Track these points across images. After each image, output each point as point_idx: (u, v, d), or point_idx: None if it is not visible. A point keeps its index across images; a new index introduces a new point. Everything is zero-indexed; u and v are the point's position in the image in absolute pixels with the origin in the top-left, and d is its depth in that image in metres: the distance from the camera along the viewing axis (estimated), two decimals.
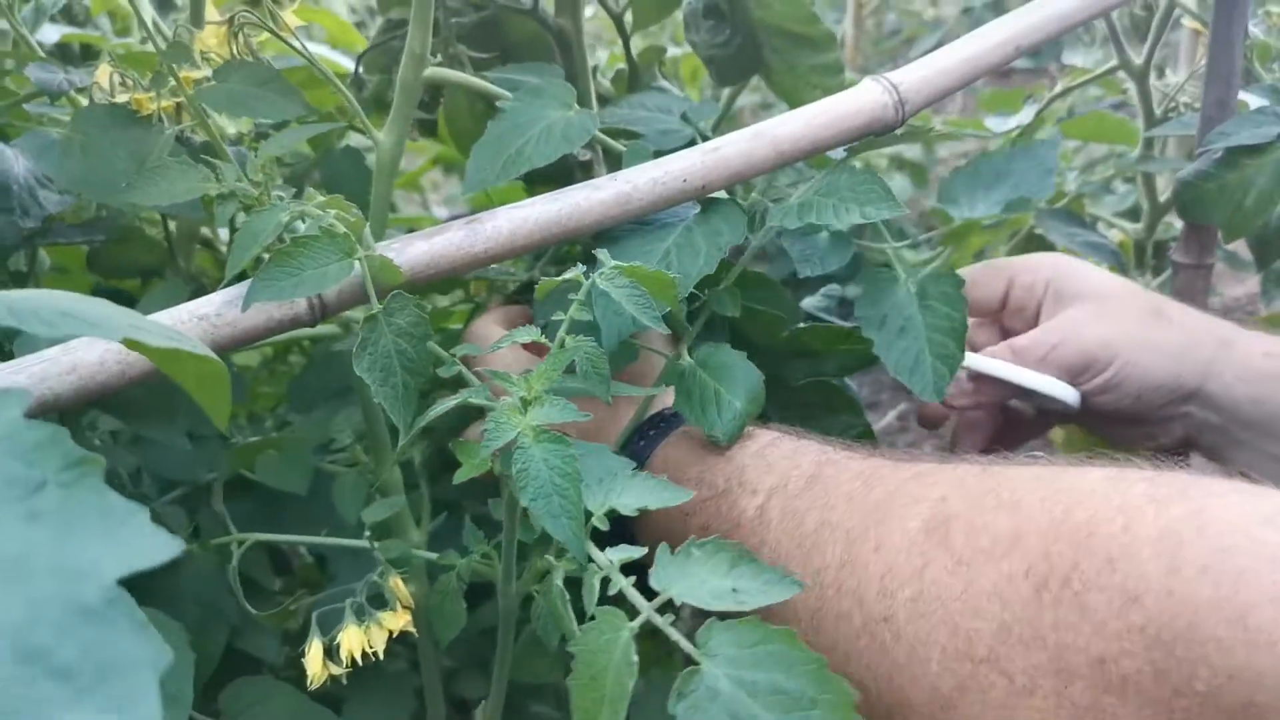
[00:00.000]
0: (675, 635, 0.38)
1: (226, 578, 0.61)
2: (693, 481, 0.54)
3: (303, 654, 0.52)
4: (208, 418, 0.65)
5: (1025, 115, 0.96)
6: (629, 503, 0.45)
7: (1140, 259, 0.99)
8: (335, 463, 0.68)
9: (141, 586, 0.58)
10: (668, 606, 0.40)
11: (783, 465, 0.52)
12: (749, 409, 0.54)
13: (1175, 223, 1.00)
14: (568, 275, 0.49)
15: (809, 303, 0.94)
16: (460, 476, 0.48)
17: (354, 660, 0.52)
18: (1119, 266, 0.92)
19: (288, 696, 0.61)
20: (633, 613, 0.40)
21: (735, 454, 0.54)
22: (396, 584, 0.53)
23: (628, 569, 0.43)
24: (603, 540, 0.45)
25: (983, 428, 0.70)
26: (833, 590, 0.45)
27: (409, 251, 0.51)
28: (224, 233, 0.82)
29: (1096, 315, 0.65)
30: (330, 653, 0.52)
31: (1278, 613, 0.32)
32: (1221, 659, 0.33)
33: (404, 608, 0.53)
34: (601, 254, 0.50)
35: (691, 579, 0.40)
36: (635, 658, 0.38)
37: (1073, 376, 0.65)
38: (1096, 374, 0.64)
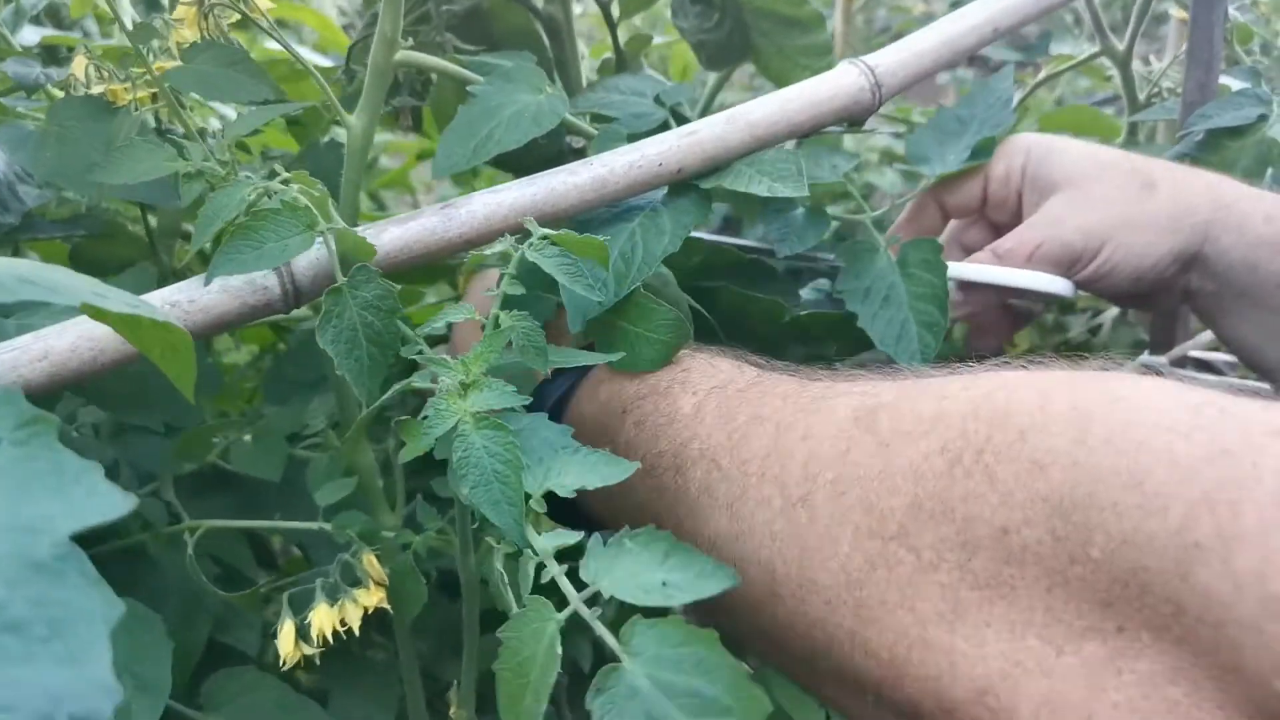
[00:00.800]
0: (600, 630, 0.38)
1: (207, 568, 0.60)
2: (636, 382, 0.53)
3: (273, 637, 0.52)
4: (186, 412, 0.66)
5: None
6: (568, 483, 0.44)
7: None
8: (310, 449, 0.67)
9: (122, 577, 0.58)
10: (596, 598, 0.39)
11: (728, 371, 0.52)
12: (671, 341, 0.53)
13: None
14: (496, 247, 0.49)
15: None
16: (404, 457, 0.48)
17: (326, 639, 0.51)
18: None
19: (272, 688, 0.61)
20: (565, 602, 0.40)
21: (682, 359, 0.53)
22: (370, 561, 0.53)
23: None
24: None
25: (994, 328, 0.69)
26: (755, 478, 0.45)
27: (383, 237, 0.51)
28: None
29: (1078, 203, 0.63)
30: (304, 634, 0.52)
31: (1171, 477, 0.32)
32: (1117, 524, 0.33)
33: (377, 584, 0.53)
34: (530, 223, 0.50)
35: (623, 571, 0.40)
36: (559, 649, 0.38)
37: (1063, 270, 0.63)
38: (1086, 264, 0.63)
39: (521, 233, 0.52)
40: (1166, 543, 0.32)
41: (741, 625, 0.46)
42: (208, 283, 0.46)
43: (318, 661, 0.53)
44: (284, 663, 0.51)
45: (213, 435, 0.66)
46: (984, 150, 0.67)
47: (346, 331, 0.47)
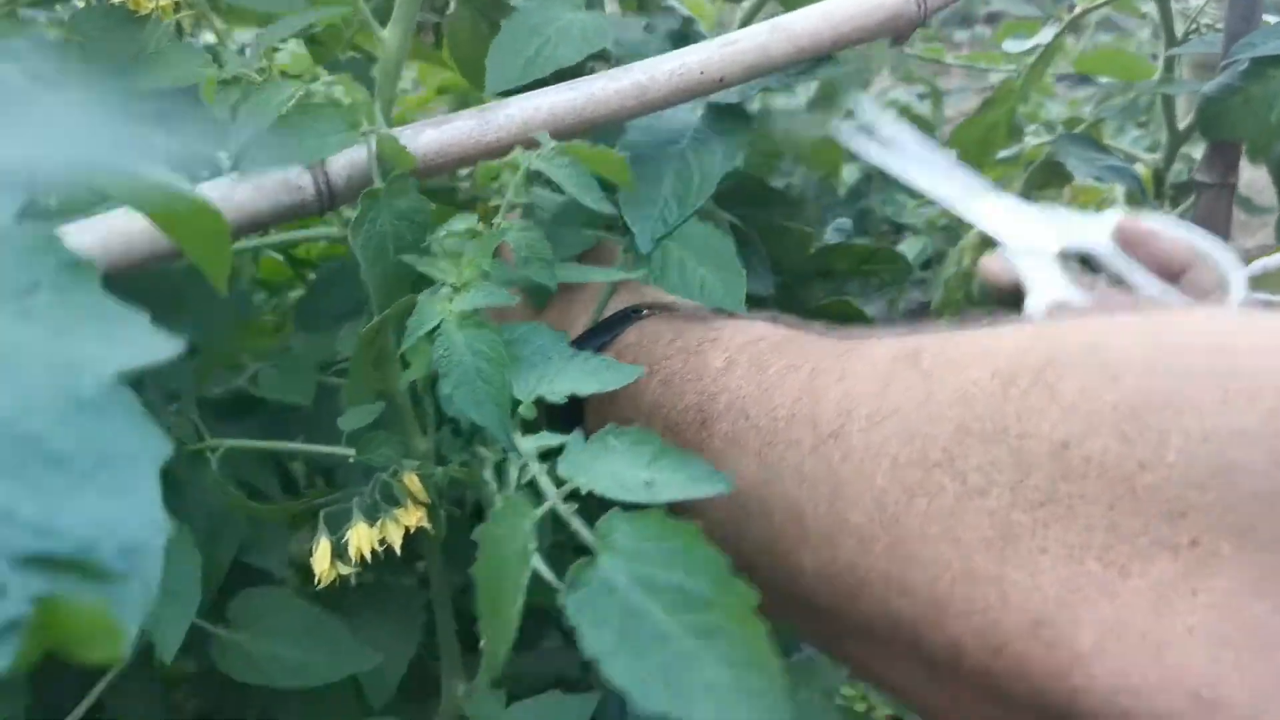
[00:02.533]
0: (577, 524, 0.36)
1: (233, 488, 0.59)
2: (665, 344, 0.51)
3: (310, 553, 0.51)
4: (213, 331, 0.65)
5: (1044, 35, 0.94)
6: (561, 388, 0.42)
7: (1159, 188, 0.97)
8: (341, 375, 0.66)
9: None
10: (574, 495, 0.38)
11: (762, 329, 0.49)
12: (719, 281, 0.52)
13: (1194, 155, 0.99)
14: (509, 157, 0.48)
15: None
16: (404, 379, 0.47)
17: (364, 559, 0.50)
18: (1139, 192, 0.90)
19: (298, 609, 0.60)
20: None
21: (715, 320, 0.51)
22: (410, 479, 0.51)
23: None
24: (554, 420, 0.43)
25: None
26: (785, 422, 0.42)
27: (420, 139, 0.50)
28: None
29: None
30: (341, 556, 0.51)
31: (1262, 365, 0.30)
32: (1198, 421, 0.30)
33: (416, 504, 0.51)
34: (541, 136, 0.48)
35: (604, 468, 0.38)
36: (533, 546, 0.36)
37: None
38: None
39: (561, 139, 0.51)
40: (1260, 431, 0.29)
41: (760, 580, 0.44)
42: (237, 168, 0.45)
43: (351, 581, 0.51)
44: (319, 582, 0.50)
45: (238, 353, 0.65)
46: None
47: (377, 238, 0.46)
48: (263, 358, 0.74)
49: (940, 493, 0.35)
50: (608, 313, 0.56)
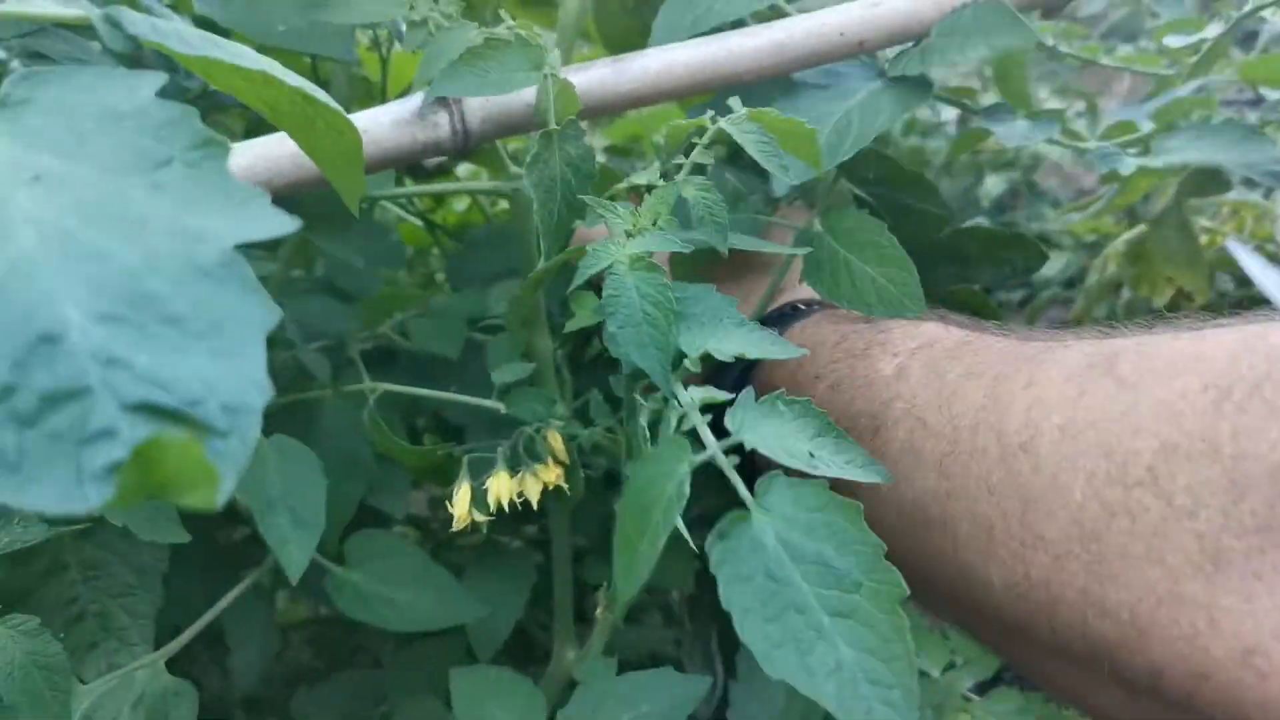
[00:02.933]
0: (735, 479, 0.36)
1: (364, 429, 0.61)
2: (830, 348, 0.49)
3: (448, 500, 0.52)
4: (358, 282, 0.67)
5: (1211, 30, 0.89)
6: (728, 348, 0.41)
7: None
8: (489, 331, 0.67)
9: (281, 428, 0.58)
10: (737, 450, 0.37)
11: (933, 331, 0.47)
12: (890, 280, 0.49)
13: None
14: (698, 120, 0.47)
15: None
16: (570, 326, 0.47)
17: (501, 509, 0.51)
18: None
19: (411, 554, 0.62)
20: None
21: (884, 322, 0.49)
22: (553, 436, 0.52)
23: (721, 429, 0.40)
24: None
25: None
26: (968, 432, 0.40)
27: None
28: None
29: None
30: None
31: None
32: None
33: (556, 462, 0.52)
34: (733, 101, 0.47)
35: (770, 430, 0.37)
36: (687, 491, 0.35)
37: None
38: None
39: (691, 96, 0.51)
40: None
41: (942, 591, 0.42)
42: (429, 99, 0.47)
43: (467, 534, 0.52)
44: (456, 525, 0.51)
45: (401, 304, 0.66)
46: None
47: (548, 179, 0.46)
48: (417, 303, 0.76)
49: (1144, 513, 0.34)
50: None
